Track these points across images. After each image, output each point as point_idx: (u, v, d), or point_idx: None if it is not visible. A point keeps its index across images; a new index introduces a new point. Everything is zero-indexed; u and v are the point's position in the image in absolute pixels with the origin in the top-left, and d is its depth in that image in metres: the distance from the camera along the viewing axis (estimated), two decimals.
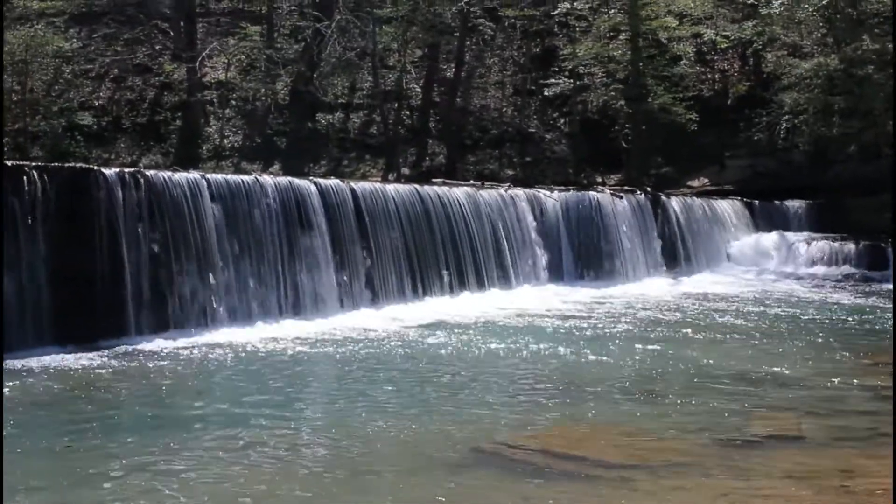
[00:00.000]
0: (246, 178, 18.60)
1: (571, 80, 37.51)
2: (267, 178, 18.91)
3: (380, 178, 34.00)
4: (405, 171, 36.96)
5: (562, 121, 39.31)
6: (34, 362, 13.47)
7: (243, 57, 40.94)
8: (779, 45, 37.82)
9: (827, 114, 32.41)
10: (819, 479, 8.47)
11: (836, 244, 28.82)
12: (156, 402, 11.72)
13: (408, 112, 40.11)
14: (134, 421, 10.78)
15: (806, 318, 19.21)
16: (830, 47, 34.71)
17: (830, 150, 32.40)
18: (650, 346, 15.45)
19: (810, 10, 32.31)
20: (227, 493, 8.22)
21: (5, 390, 11.86)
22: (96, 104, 40.60)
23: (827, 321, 18.82)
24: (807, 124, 33.09)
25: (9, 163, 14.98)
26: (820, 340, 16.22)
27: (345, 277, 19.49)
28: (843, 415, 10.88)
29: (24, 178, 14.52)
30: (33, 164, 15.31)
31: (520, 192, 25.31)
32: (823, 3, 31.44)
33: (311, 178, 20.72)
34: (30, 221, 14.49)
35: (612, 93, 36.22)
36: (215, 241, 17.12)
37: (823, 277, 26.89)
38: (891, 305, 20.33)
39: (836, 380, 12.76)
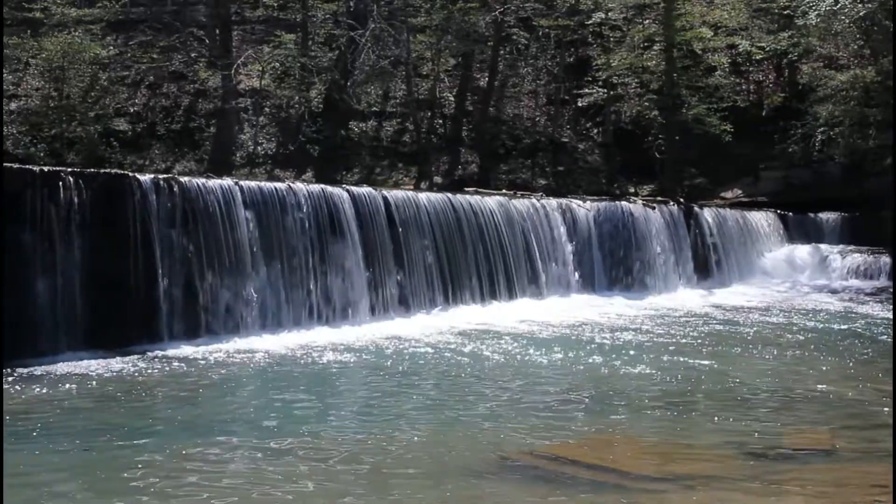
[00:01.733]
0: (279, 185, 18.67)
1: (605, 90, 37.40)
2: (300, 186, 18.98)
3: (412, 187, 34.00)
4: (437, 179, 36.96)
5: (595, 131, 39.19)
6: (66, 367, 13.57)
7: (278, 65, 41.07)
8: (815, 57, 37.56)
9: (863, 126, 32.16)
10: (851, 493, 8.40)
11: (871, 257, 28.61)
12: (186, 407, 11.77)
13: (440, 121, 40.13)
14: (164, 426, 10.82)
15: (839, 331, 19.06)
16: (867, 59, 34.46)
17: (866, 163, 32.10)
18: (681, 358, 15.37)
19: (847, 21, 32.06)
20: (255, 499, 8.25)
21: (38, 395, 11.96)
22: (132, 111, 40.85)
23: (860, 334, 18.67)
24: (842, 136, 32.84)
25: (45, 168, 15.12)
26: (853, 354, 16.09)
27: (376, 285, 19.51)
28: (876, 429, 10.78)
29: (60, 183, 14.65)
30: (69, 169, 15.43)
31: (552, 202, 25.25)
32: (860, 14, 31.20)
33: (343, 185, 20.79)
34: (65, 226, 14.63)
35: (646, 103, 36.08)
36: (248, 247, 17.19)
37: (857, 290, 26.66)
38: None
39: (868, 394, 12.66)
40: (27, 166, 15.84)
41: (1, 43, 34.42)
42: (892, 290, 26.16)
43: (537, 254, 23.58)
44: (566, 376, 13.97)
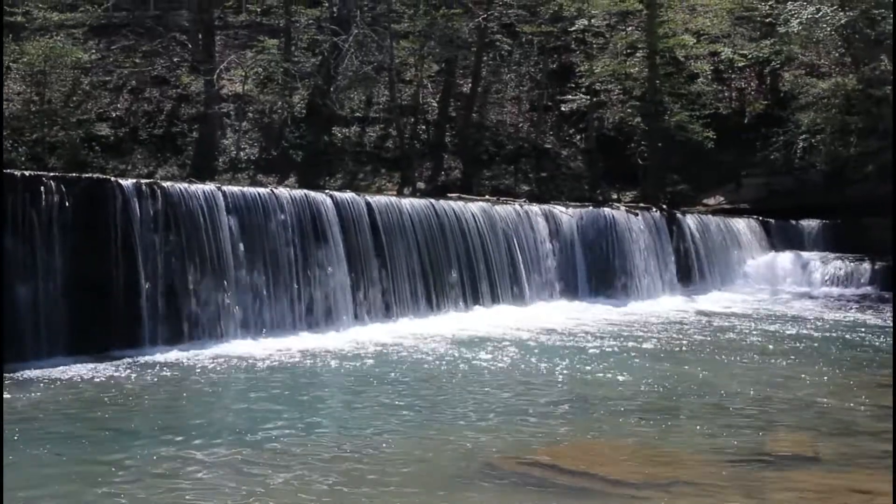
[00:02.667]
0: (262, 190, 18.63)
1: (588, 97, 37.50)
2: (283, 191, 18.94)
3: (395, 192, 34.03)
4: (421, 185, 36.98)
5: (578, 137, 39.32)
6: (48, 372, 13.50)
7: (260, 70, 41.04)
8: (796, 65, 37.79)
9: (844, 133, 32.34)
10: (834, 500, 8.42)
11: (853, 264, 28.73)
12: (168, 413, 11.72)
13: (424, 126, 40.17)
14: (145, 432, 10.76)
15: (821, 337, 19.13)
16: (848, 67, 34.67)
17: (847, 170, 32.26)
18: (664, 365, 15.40)
19: (828, 29, 32.21)
20: None
21: (18, 400, 11.89)
22: (114, 115, 40.77)
23: (842, 341, 18.74)
24: (824, 144, 33.01)
25: (27, 173, 15.04)
26: (835, 360, 16.15)
27: (359, 291, 19.49)
28: (859, 435, 10.81)
29: (42, 188, 14.58)
30: (51, 174, 15.36)
31: (535, 208, 25.28)
32: (842, 22, 31.35)
33: (326, 191, 20.75)
34: (47, 231, 14.56)
35: (629, 110, 36.22)
36: (231, 253, 17.14)
37: (839, 297, 26.80)
38: None
39: (851, 400, 12.69)
40: (8, 170, 15.74)
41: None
42: (872, 297, 26.31)
43: (520, 260, 23.60)
44: (549, 383, 13.97)
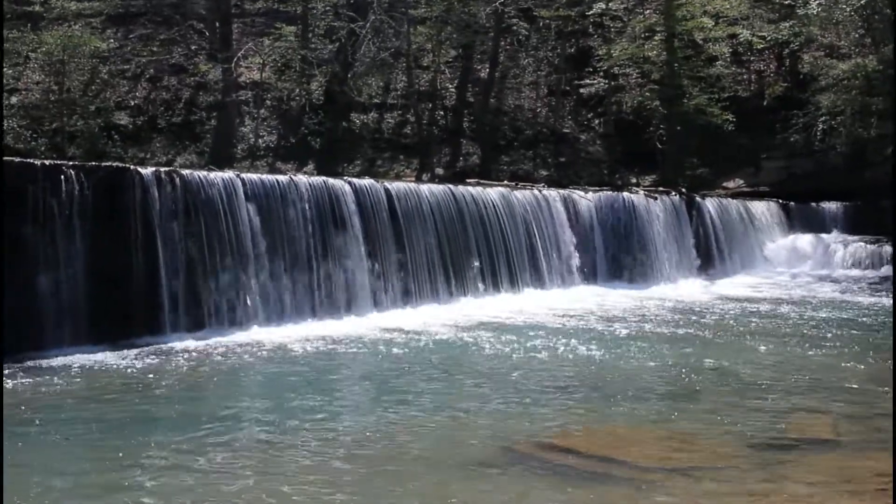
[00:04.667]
0: (280, 177, 18.65)
1: (606, 81, 37.41)
2: (301, 178, 18.97)
3: (413, 178, 34.02)
4: (439, 171, 36.98)
5: (596, 121, 39.19)
6: (69, 360, 13.59)
7: (278, 57, 41.07)
8: (816, 46, 37.53)
9: (865, 115, 32.16)
10: (855, 482, 8.40)
11: (873, 246, 28.60)
12: (189, 400, 11.77)
13: (442, 112, 40.11)
14: (166, 420, 10.82)
15: (840, 320, 19.05)
16: (868, 48, 34.42)
17: (868, 152, 32.10)
18: (684, 349, 15.37)
19: (848, 10, 32.03)
20: (259, 492, 8.25)
21: (40, 387, 11.97)
22: (132, 104, 40.87)
23: (862, 324, 18.67)
24: (844, 126, 32.84)
25: (46, 162, 15.11)
26: (855, 343, 16.07)
27: (379, 277, 19.51)
28: (879, 418, 10.76)
29: (62, 177, 14.65)
30: (70, 163, 15.42)
31: (554, 193, 25.24)
32: (861, 3, 31.16)
33: (345, 177, 20.77)
34: (67, 220, 14.63)
35: (648, 93, 36.06)
36: (250, 240, 17.19)
37: (859, 279, 26.67)
38: None
39: (871, 383, 12.65)
40: (29, 160, 15.83)
41: (1, 37, 34.38)
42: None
43: (539, 245, 23.57)
44: (569, 367, 13.96)
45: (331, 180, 19.48)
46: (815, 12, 32.73)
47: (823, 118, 33.65)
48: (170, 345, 14.95)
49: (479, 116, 39.45)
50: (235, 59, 38.75)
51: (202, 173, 17.15)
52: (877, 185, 30.73)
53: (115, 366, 13.41)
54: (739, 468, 8.80)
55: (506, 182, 28.77)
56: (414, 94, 38.41)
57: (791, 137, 34.83)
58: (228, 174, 17.69)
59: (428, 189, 21.70)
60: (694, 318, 19.29)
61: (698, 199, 28.71)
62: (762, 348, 15.61)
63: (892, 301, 21.53)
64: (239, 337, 15.90)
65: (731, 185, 34.91)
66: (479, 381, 13.11)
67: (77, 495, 8.22)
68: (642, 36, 37.03)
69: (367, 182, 20.32)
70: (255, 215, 17.44)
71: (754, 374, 13.48)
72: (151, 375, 12.96)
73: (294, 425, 10.44)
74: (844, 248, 29.00)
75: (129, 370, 13.20)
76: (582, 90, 38.22)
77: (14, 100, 38.71)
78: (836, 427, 10.29)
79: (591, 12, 39.81)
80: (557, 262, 24.16)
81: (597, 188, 28.05)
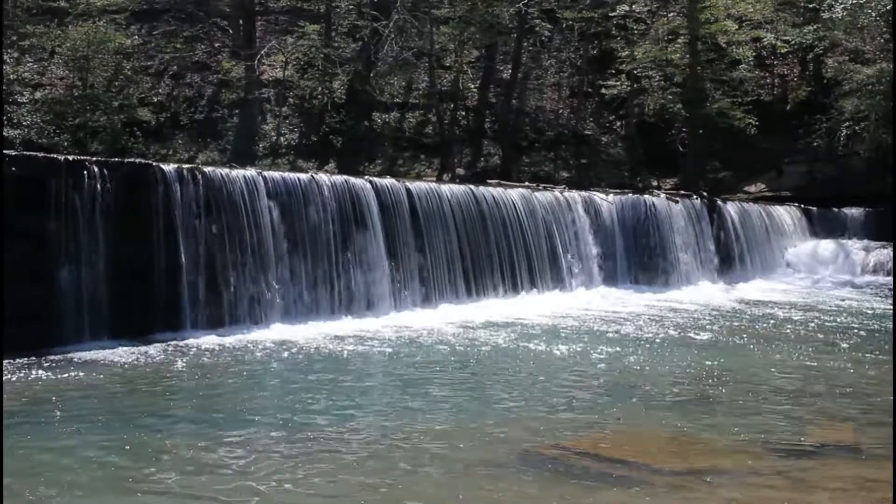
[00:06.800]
0: (302, 176, 18.69)
1: (629, 83, 37.30)
2: (323, 177, 19.00)
3: (434, 178, 34.01)
4: (460, 171, 36.98)
5: (618, 123, 39.14)
6: (90, 355, 13.66)
7: (301, 55, 41.15)
8: (840, 51, 37.36)
9: (888, 120, 31.94)
10: (875, 490, 8.35)
11: None
12: (208, 397, 11.80)
13: (463, 112, 40.09)
14: (186, 416, 10.86)
15: (861, 326, 18.97)
16: (893, 53, 34.22)
17: (891, 157, 31.91)
18: (704, 353, 15.32)
19: (873, 15, 31.85)
20: (276, 489, 8.26)
21: (61, 382, 12.02)
22: (155, 100, 41.02)
23: (884, 330, 18.57)
24: (868, 131, 32.67)
25: (70, 157, 15.18)
26: (876, 350, 16.00)
27: (399, 277, 19.53)
28: None
29: (85, 172, 14.72)
30: (93, 159, 15.49)
31: (575, 195, 25.20)
32: (887, 8, 30.98)
33: (366, 177, 20.78)
34: (89, 215, 14.70)
35: (670, 96, 35.92)
36: (271, 238, 17.23)
37: (881, 286, 26.52)
38: None
39: (890, 389, 12.57)
40: (52, 155, 15.93)
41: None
42: None
43: (560, 247, 23.55)
44: (587, 370, 13.94)
45: (352, 179, 19.51)
46: (839, 17, 32.54)
47: (847, 123, 33.49)
48: (190, 341, 15.00)
49: (501, 117, 39.42)
50: (258, 57, 38.82)
51: (224, 171, 17.20)
52: None
53: (135, 361, 13.46)
54: (759, 474, 8.77)
55: (527, 183, 28.75)
56: (436, 93, 38.39)
57: (814, 142, 34.69)
58: (250, 172, 17.74)
59: (449, 189, 21.70)
60: (713, 322, 19.22)
61: (720, 202, 28.61)
62: (781, 353, 15.55)
63: None
64: (258, 334, 15.93)
65: (752, 189, 34.78)
66: (497, 383, 13.12)
67: (93, 489, 8.25)
68: (665, 38, 36.94)
69: (388, 181, 20.33)
70: (277, 213, 17.48)
71: (774, 379, 13.44)
72: (171, 371, 13.01)
73: (312, 424, 10.46)
74: (866, 253, 28.84)
75: (148, 366, 13.25)
76: (604, 92, 38.11)
77: (38, 95, 38.92)
78: (856, 433, 10.24)
79: (614, 14, 39.72)
80: (578, 265, 24.11)
81: (618, 191, 28.01)
